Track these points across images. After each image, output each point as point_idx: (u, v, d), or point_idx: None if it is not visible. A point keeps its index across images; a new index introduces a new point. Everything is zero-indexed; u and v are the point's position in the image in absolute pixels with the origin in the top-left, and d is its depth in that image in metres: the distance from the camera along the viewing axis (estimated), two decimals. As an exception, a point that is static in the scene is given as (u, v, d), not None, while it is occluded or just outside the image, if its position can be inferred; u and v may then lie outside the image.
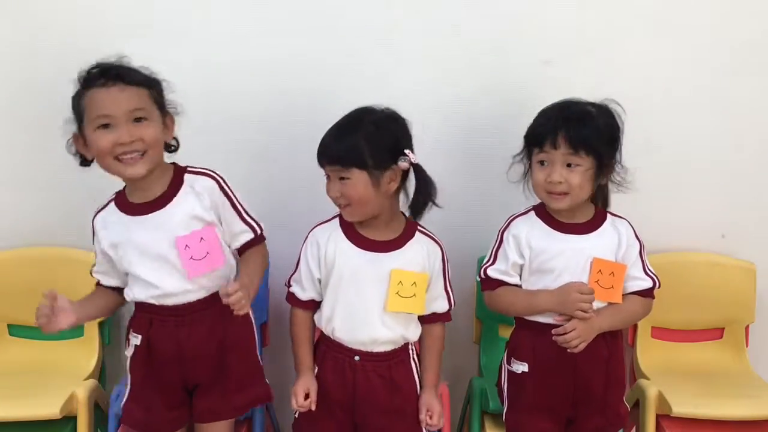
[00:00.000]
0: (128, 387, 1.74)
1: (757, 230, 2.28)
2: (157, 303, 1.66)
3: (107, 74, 1.60)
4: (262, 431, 1.96)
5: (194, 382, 1.70)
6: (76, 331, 2.09)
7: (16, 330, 2.16)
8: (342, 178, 1.67)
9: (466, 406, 2.17)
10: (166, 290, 1.65)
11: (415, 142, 1.76)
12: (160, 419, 1.72)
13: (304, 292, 1.77)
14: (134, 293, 1.69)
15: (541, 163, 1.74)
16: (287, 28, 2.13)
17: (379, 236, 1.73)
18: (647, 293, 1.80)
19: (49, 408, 1.82)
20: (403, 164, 1.70)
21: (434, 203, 1.73)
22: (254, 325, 1.78)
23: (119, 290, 1.74)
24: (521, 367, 1.77)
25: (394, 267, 1.70)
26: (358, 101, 1.76)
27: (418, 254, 1.74)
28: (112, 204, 1.71)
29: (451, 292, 1.81)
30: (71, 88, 1.68)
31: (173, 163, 1.72)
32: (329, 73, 2.14)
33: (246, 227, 1.71)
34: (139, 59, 1.70)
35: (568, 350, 1.70)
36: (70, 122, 1.66)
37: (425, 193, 1.72)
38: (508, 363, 1.81)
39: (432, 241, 1.77)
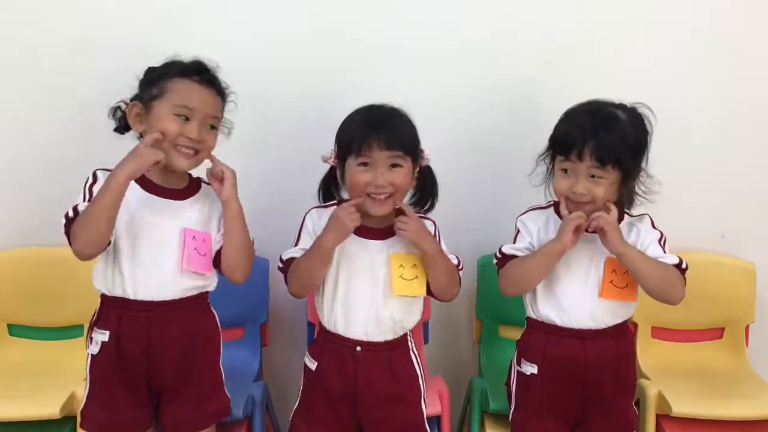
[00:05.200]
0: (88, 389, 1.68)
1: (757, 230, 2.28)
2: (131, 295, 1.63)
3: (202, 74, 1.67)
4: (261, 431, 1.96)
5: (159, 382, 1.68)
6: (76, 330, 2.10)
7: (16, 330, 2.16)
8: (394, 165, 1.65)
9: (466, 406, 2.17)
10: (149, 275, 1.63)
11: (416, 142, 1.76)
12: (124, 419, 1.68)
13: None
14: (109, 279, 1.64)
15: (565, 171, 1.70)
16: (289, 27, 2.13)
17: (375, 224, 1.72)
18: (678, 268, 1.71)
19: (49, 408, 1.82)
20: (423, 161, 1.72)
21: (434, 203, 1.76)
22: (221, 333, 1.75)
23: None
24: (531, 369, 1.75)
25: (392, 251, 1.69)
26: (359, 100, 1.76)
27: None
28: None
29: (454, 255, 1.74)
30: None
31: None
32: (331, 72, 2.14)
33: None
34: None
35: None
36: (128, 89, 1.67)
37: (434, 192, 1.75)
38: (518, 364, 1.79)
39: (423, 219, 1.74)
